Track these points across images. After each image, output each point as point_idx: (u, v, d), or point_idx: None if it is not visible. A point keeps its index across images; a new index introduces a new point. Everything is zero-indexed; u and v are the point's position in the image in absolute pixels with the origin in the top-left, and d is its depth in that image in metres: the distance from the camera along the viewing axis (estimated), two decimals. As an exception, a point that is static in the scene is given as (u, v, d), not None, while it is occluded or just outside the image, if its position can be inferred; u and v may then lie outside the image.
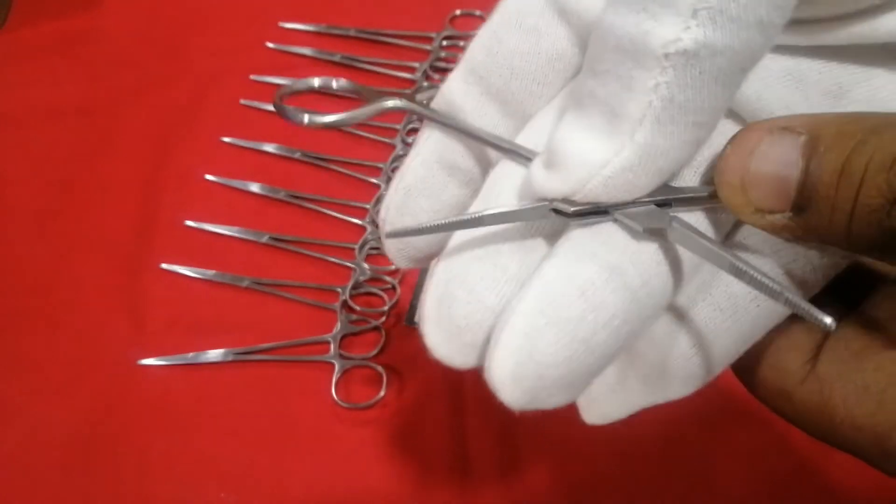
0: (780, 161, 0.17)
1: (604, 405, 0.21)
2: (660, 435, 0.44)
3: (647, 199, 0.18)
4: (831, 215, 0.16)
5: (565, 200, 0.18)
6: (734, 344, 0.20)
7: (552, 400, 0.18)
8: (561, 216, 0.18)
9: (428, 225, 0.19)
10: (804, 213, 0.17)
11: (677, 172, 0.19)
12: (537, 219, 0.19)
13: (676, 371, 0.20)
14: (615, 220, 0.18)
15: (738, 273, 0.17)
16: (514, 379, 0.17)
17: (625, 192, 0.18)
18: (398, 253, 0.23)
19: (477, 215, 0.19)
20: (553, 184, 0.18)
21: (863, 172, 0.15)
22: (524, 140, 0.20)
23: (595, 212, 0.18)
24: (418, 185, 0.22)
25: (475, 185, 0.22)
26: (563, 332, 0.17)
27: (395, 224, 0.22)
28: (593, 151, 0.17)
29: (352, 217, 0.51)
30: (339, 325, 0.48)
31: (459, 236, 0.20)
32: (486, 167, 0.22)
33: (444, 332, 0.19)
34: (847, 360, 0.19)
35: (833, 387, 0.19)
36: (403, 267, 0.23)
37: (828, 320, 0.16)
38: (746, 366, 0.21)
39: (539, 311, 0.17)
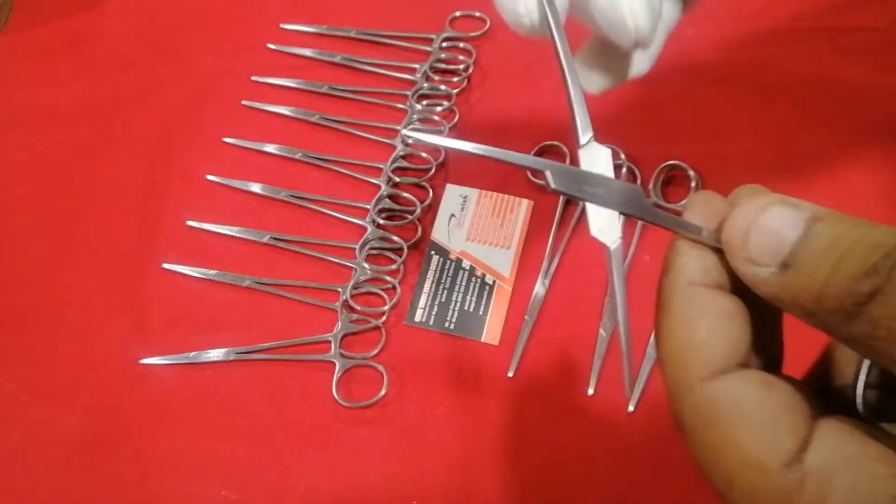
0: (784, 222, 0.19)
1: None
2: (658, 434, 0.44)
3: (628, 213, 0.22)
4: (812, 274, 0.19)
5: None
6: None
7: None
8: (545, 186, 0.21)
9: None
10: (787, 270, 0.19)
11: None
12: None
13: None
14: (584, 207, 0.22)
15: None
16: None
17: None
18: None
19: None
20: None
21: (850, 245, 0.18)
22: None
23: (572, 197, 0.22)
24: None
25: None
26: None
27: None
28: None
29: (352, 217, 0.52)
30: (339, 324, 0.48)
31: None
32: None
33: None
34: (840, 463, 0.19)
35: (818, 484, 0.18)
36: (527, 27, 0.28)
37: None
38: (719, 421, 0.20)
39: None
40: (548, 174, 0.21)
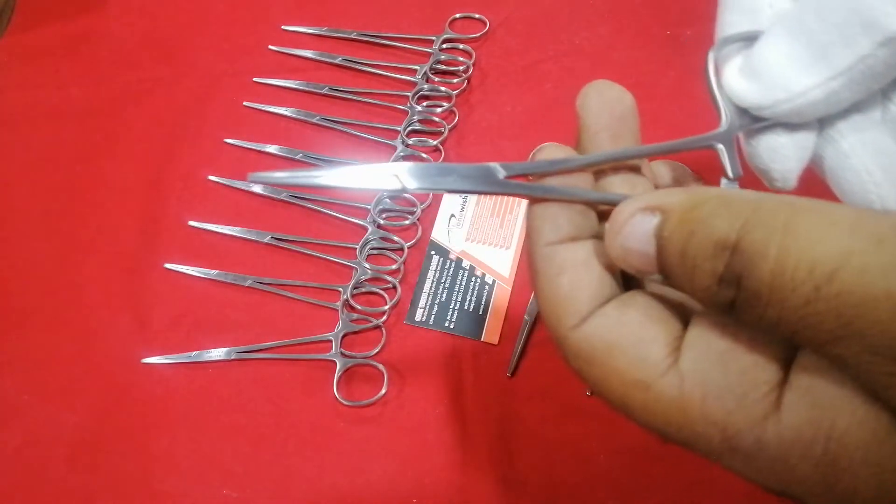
0: (640, 241, 0.20)
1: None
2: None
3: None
4: (682, 285, 0.20)
5: (745, 113, 0.25)
6: None
7: None
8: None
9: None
10: (667, 280, 0.21)
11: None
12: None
13: None
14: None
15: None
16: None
17: (797, 118, 0.24)
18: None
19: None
20: (750, 93, 0.24)
21: (695, 259, 0.19)
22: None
23: (430, 191, 0.22)
24: None
25: None
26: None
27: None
28: (794, 80, 0.23)
29: (353, 217, 0.52)
30: (340, 323, 0.48)
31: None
32: None
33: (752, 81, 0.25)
34: (711, 360, 0.20)
35: (695, 383, 0.20)
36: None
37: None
38: (596, 357, 0.21)
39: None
40: (403, 176, 0.22)
